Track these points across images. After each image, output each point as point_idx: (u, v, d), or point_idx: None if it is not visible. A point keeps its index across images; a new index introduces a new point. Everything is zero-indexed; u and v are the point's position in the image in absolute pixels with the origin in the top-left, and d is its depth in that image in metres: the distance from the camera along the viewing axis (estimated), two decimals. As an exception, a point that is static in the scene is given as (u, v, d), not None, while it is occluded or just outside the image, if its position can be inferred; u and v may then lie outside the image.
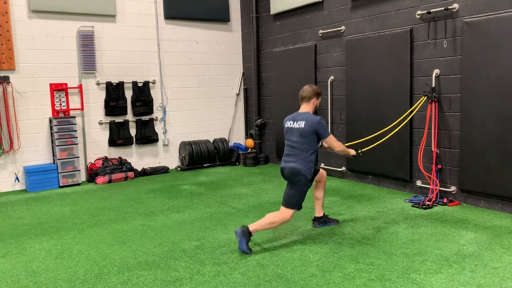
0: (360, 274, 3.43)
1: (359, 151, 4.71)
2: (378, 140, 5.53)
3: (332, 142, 4.23)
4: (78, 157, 7.19)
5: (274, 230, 4.40)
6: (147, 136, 8.03)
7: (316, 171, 4.34)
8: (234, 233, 4.06)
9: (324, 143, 4.28)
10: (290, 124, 4.24)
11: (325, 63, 7.09)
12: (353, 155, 4.57)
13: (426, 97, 5.43)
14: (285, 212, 4.08)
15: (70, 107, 7.26)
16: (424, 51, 5.57)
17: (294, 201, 4.09)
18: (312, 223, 4.65)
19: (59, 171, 7.01)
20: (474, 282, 3.23)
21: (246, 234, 3.94)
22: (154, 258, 3.90)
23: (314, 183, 4.47)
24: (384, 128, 5.67)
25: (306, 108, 4.27)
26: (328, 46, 7.03)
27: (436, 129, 5.45)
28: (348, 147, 4.73)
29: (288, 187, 4.17)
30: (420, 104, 5.51)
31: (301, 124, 4.12)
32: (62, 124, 7.04)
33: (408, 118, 5.68)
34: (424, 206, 5.16)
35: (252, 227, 3.98)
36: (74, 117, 7.19)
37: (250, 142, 8.85)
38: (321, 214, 4.62)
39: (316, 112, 4.36)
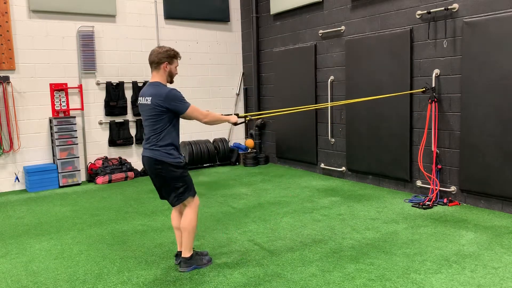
0: (360, 274, 3.43)
1: (248, 117, 4.01)
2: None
3: (195, 114, 3.45)
4: (78, 157, 7.19)
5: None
6: (147, 136, 8.02)
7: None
8: (184, 271, 3.57)
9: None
10: (140, 100, 3.48)
11: (325, 63, 7.09)
12: (234, 122, 3.77)
13: (425, 89, 5.44)
14: (186, 211, 3.56)
15: (70, 107, 7.26)
16: (424, 51, 5.57)
17: (180, 193, 3.47)
18: (176, 259, 3.73)
19: (59, 171, 7.01)
20: (474, 282, 3.23)
21: (190, 263, 3.57)
22: (154, 258, 3.90)
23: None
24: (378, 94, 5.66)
25: (156, 77, 3.47)
26: (328, 46, 7.03)
27: (436, 129, 5.45)
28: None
29: (158, 182, 3.52)
30: (417, 92, 5.54)
31: (148, 99, 3.36)
32: (62, 124, 7.04)
33: (393, 95, 5.58)
34: (424, 206, 5.16)
35: (184, 253, 3.58)
36: (74, 117, 7.19)
37: (250, 142, 8.85)
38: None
39: (171, 80, 3.54)
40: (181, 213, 3.71)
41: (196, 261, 3.63)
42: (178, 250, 3.75)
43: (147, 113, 3.44)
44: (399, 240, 4.12)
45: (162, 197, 3.70)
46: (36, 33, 7.02)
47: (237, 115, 3.84)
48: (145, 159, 3.54)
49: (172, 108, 3.37)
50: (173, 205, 3.60)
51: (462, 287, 3.17)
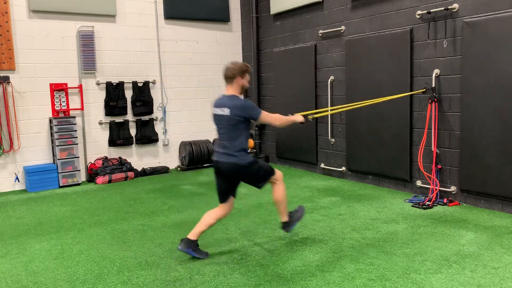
0: (360, 274, 3.43)
1: (310, 117, 4.28)
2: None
3: (268, 119, 3.85)
4: (78, 157, 7.19)
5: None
6: (147, 136, 8.03)
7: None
8: (289, 231, 4.18)
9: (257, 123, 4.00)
10: (216, 110, 3.85)
11: (325, 63, 7.09)
12: (301, 122, 4.10)
13: (425, 89, 5.43)
14: (274, 187, 3.97)
15: (70, 107, 7.26)
16: (424, 51, 5.57)
17: (263, 176, 3.88)
18: (179, 245, 3.91)
19: (59, 171, 7.01)
20: (474, 282, 3.23)
21: (289, 223, 4.10)
22: (154, 258, 3.90)
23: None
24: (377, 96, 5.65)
25: (230, 90, 3.85)
26: (328, 46, 7.03)
27: (436, 129, 5.45)
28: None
29: (237, 180, 3.89)
30: (417, 93, 5.53)
31: (225, 110, 3.75)
32: (62, 124, 7.04)
33: (395, 97, 5.55)
34: (424, 206, 5.16)
35: (283, 219, 4.11)
36: (74, 117, 7.19)
37: (250, 142, 8.84)
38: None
39: (245, 93, 3.92)
40: (220, 216, 3.96)
41: (295, 219, 4.16)
42: (187, 236, 3.87)
43: (224, 123, 3.79)
44: (399, 240, 4.12)
45: (223, 199, 3.97)
46: (36, 33, 7.02)
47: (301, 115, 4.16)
48: (222, 164, 3.82)
49: (247, 116, 3.75)
50: (260, 187, 3.97)
51: (462, 287, 3.17)
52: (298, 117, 4.06)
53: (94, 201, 6.08)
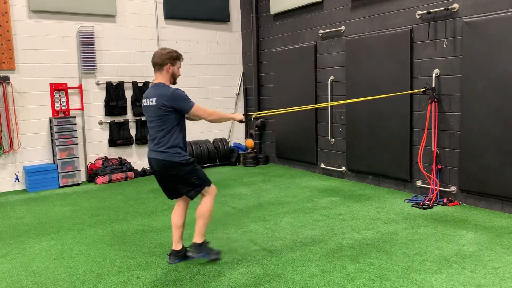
0: (360, 274, 3.43)
1: (253, 115, 4.01)
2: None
3: (199, 113, 3.49)
4: (78, 157, 7.19)
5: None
6: (147, 136, 8.02)
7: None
8: (192, 256, 3.73)
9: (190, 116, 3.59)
10: (144, 101, 3.51)
11: (325, 63, 7.09)
12: (240, 120, 3.83)
13: (425, 89, 5.43)
14: (203, 199, 3.67)
15: (70, 107, 7.26)
16: (424, 51, 5.57)
17: (196, 185, 3.55)
18: (168, 258, 3.76)
19: (59, 171, 7.01)
20: (474, 282, 3.23)
21: (199, 249, 3.69)
22: (154, 258, 3.90)
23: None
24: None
25: (159, 78, 3.50)
26: (328, 46, 7.03)
27: (436, 129, 5.45)
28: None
29: (170, 181, 3.57)
30: (417, 92, 5.53)
31: (153, 101, 3.39)
32: (62, 124, 7.04)
33: (393, 95, 5.54)
34: (424, 206, 5.16)
35: (196, 239, 3.69)
36: (74, 117, 7.19)
37: (250, 142, 8.85)
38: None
39: (174, 81, 3.57)
40: (184, 210, 3.80)
41: (206, 250, 3.71)
42: (172, 248, 3.77)
43: (152, 114, 3.46)
44: (399, 240, 4.12)
45: (170, 197, 3.79)
46: (36, 33, 7.02)
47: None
48: (153, 161, 3.55)
49: (177, 108, 3.40)
50: (192, 198, 3.67)
51: (462, 287, 3.17)
52: (237, 116, 3.83)
53: (94, 201, 6.08)
